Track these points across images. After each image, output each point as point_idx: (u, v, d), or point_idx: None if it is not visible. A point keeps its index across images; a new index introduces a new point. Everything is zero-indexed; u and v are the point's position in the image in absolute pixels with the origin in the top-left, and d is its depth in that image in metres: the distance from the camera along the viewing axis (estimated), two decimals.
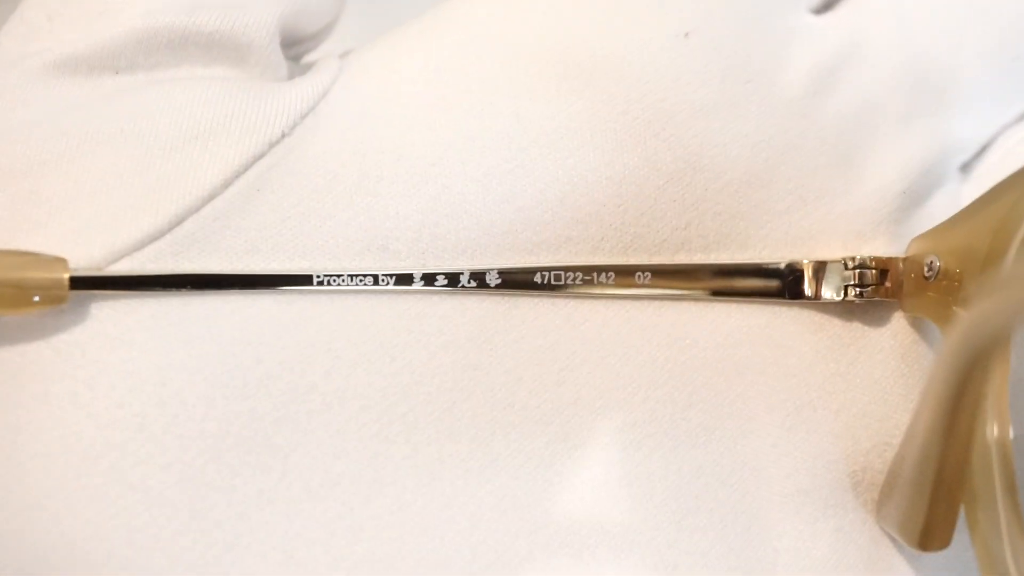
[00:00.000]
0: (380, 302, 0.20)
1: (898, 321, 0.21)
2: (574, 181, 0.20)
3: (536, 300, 0.20)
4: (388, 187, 0.20)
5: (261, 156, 0.20)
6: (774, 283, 0.21)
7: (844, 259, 0.21)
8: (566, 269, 0.20)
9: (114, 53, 0.20)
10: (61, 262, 0.18)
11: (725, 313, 0.21)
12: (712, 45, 0.21)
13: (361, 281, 0.20)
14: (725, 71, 0.21)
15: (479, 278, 0.20)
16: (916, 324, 0.21)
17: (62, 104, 0.20)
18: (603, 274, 0.20)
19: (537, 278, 0.20)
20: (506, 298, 0.20)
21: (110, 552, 0.18)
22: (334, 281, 0.19)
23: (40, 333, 0.19)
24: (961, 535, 0.19)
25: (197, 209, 0.19)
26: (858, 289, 0.21)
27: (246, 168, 0.20)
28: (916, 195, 0.22)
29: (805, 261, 0.21)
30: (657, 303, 0.21)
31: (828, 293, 0.21)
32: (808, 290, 0.21)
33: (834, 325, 0.21)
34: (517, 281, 0.20)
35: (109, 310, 0.19)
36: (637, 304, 0.21)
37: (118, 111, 0.20)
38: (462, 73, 0.21)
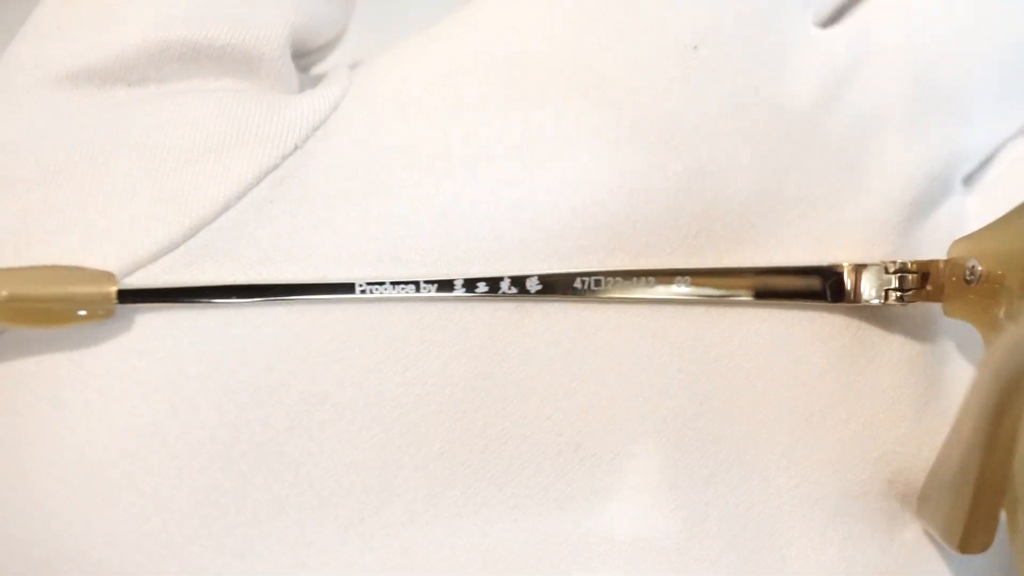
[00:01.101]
0: (392, 311, 0.20)
1: (906, 330, 0.22)
2: (584, 190, 0.20)
3: (549, 309, 0.20)
4: (399, 197, 0.20)
5: (274, 168, 0.20)
6: (815, 284, 0.21)
7: (884, 263, 0.21)
8: (606, 274, 0.20)
9: (126, 65, 0.20)
10: (108, 276, 0.18)
11: (737, 322, 0.21)
12: (720, 57, 0.21)
13: (403, 288, 0.19)
14: (733, 81, 0.21)
15: (519, 284, 0.20)
16: (924, 333, 0.22)
17: (74, 115, 0.20)
18: (643, 278, 0.20)
19: (577, 283, 0.20)
20: (519, 306, 0.20)
21: (121, 559, 0.18)
22: (376, 289, 0.19)
23: (54, 341, 0.19)
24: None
25: (210, 221, 0.19)
26: (899, 292, 0.21)
27: (259, 180, 0.20)
28: (923, 204, 0.22)
29: (845, 264, 0.21)
30: (670, 311, 0.21)
31: (868, 296, 0.21)
32: (849, 293, 0.21)
33: (844, 334, 0.21)
34: (557, 286, 0.20)
35: (123, 320, 0.19)
36: (650, 313, 0.21)
37: (131, 123, 0.20)
38: (472, 82, 0.21)
